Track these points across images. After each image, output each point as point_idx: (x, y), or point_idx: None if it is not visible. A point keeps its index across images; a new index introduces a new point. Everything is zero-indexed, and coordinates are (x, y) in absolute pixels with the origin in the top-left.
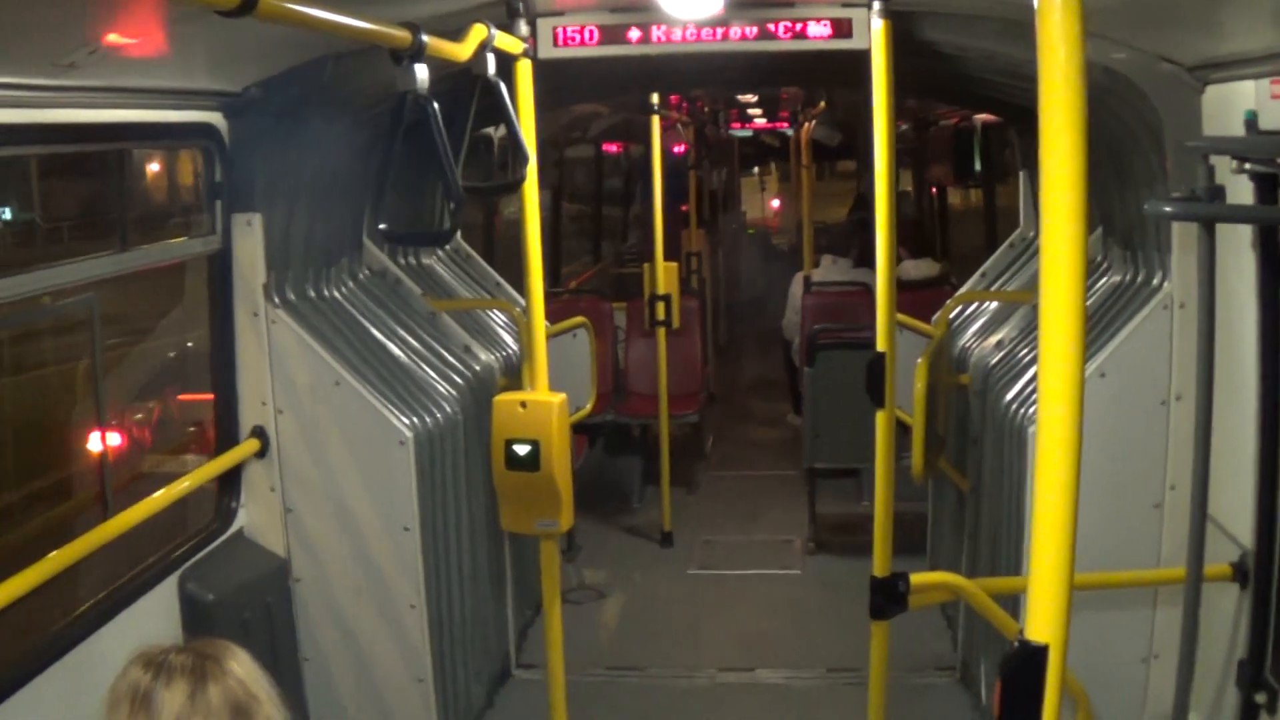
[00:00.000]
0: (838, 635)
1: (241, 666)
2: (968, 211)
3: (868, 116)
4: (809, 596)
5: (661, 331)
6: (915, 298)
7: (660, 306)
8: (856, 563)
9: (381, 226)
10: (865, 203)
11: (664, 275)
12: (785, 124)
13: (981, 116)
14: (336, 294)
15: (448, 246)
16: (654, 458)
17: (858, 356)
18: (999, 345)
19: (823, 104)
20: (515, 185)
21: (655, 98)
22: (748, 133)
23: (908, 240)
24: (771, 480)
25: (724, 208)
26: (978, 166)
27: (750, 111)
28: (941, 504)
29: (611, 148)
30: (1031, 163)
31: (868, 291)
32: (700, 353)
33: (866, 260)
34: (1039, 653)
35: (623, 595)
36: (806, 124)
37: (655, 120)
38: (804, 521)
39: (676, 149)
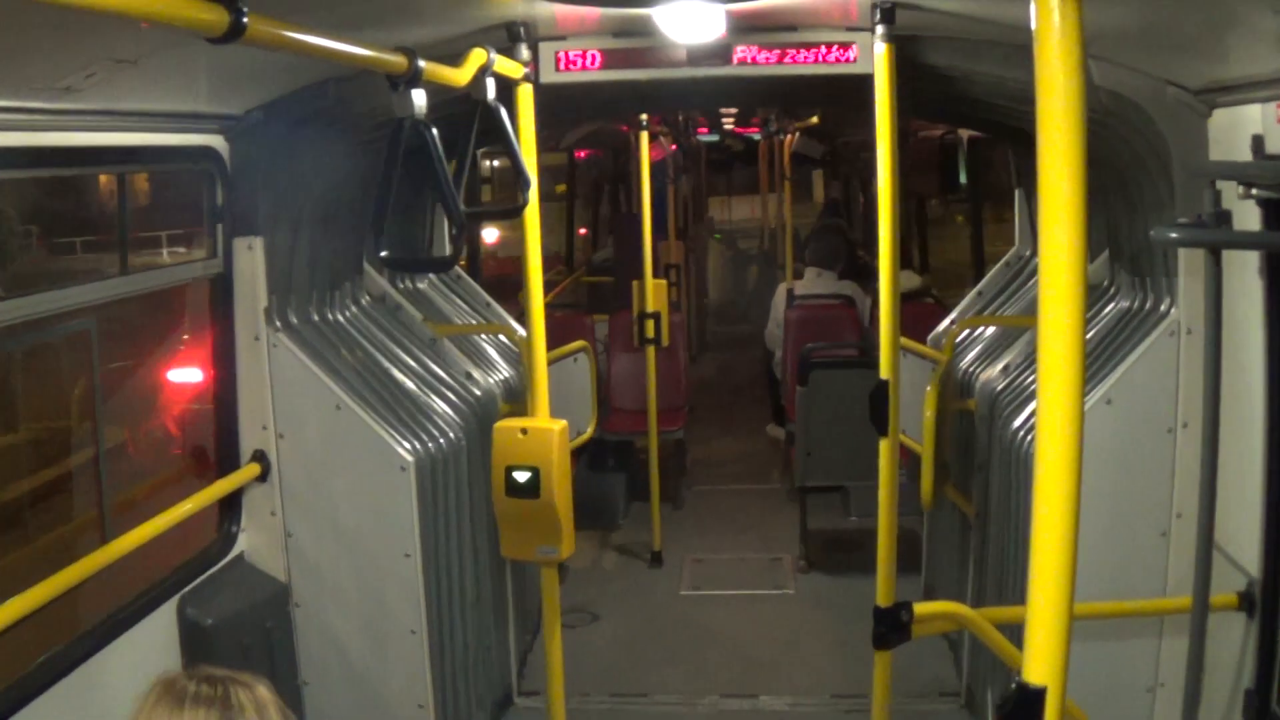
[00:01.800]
0: (836, 660)
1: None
2: (947, 223)
3: (849, 128)
4: (805, 618)
5: (651, 350)
6: None
7: (650, 324)
8: (849, 581)
9: (383, 254)
10: (836, 208)
11: (654, 292)
12: (756, 129)
13: (966, 131)
14: (338, 318)
15: None
16: (637, 474)
17: (851, 375)
18: (1005, 370)
19: (814, 119)
20: (518, 210)
21: (645, 117)
22: (714, 138)
23: None
24: (754, 495)
25: (694, 215)
26: (963, 179)
27: (721, 113)
28: (938, 526)
29: (583, 154)
30: (1028, 182)
31: (851, 305)
32: (684, 367)
33: (850, 273)
34: (1037, 696)
35: (617, 618)
36: (790, 136)
37: (644, 136)
38: (791, 538)
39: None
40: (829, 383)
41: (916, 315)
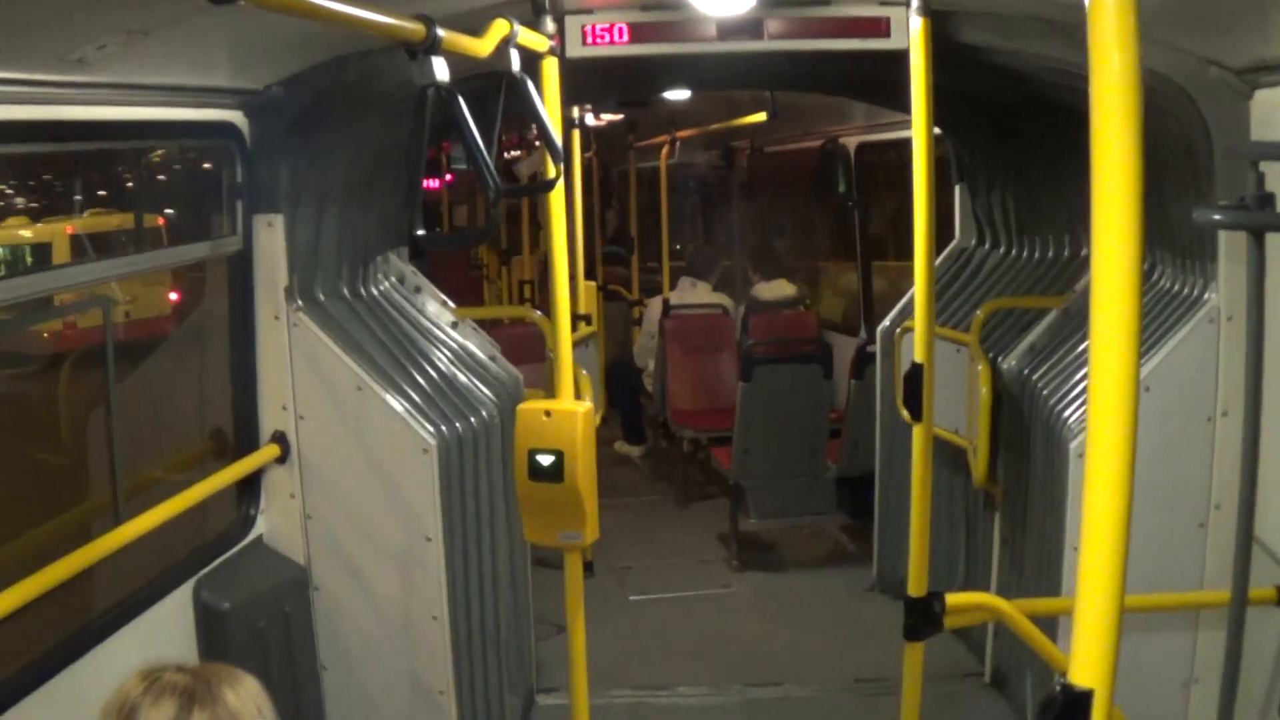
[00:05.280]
0: (831, 647)
1: (237, 697)
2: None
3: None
4: (770, 612)
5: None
6: (773, 319)
7: (581, 326)
8: (787, 577)
9: (420, 232)
10: (621, 235)
11: (585, 295)
12: None
13: (854, 140)
14: (360, 298)
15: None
16: None
17: (794, 371)
18: (1032, 350)
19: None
20: (550, 184)
21: (576, 112)
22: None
23: (760, 264)
24: (637, 506)
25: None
26: (842, 189)
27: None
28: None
29: None
30: (969, 175)
31: (727, 314)
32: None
33: (724, 285)
34: (1083, 699)
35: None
36: (666, 147)
37: (576, 135)
38: (698, 543)
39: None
40: (772, 379)
41: (792, 322)
